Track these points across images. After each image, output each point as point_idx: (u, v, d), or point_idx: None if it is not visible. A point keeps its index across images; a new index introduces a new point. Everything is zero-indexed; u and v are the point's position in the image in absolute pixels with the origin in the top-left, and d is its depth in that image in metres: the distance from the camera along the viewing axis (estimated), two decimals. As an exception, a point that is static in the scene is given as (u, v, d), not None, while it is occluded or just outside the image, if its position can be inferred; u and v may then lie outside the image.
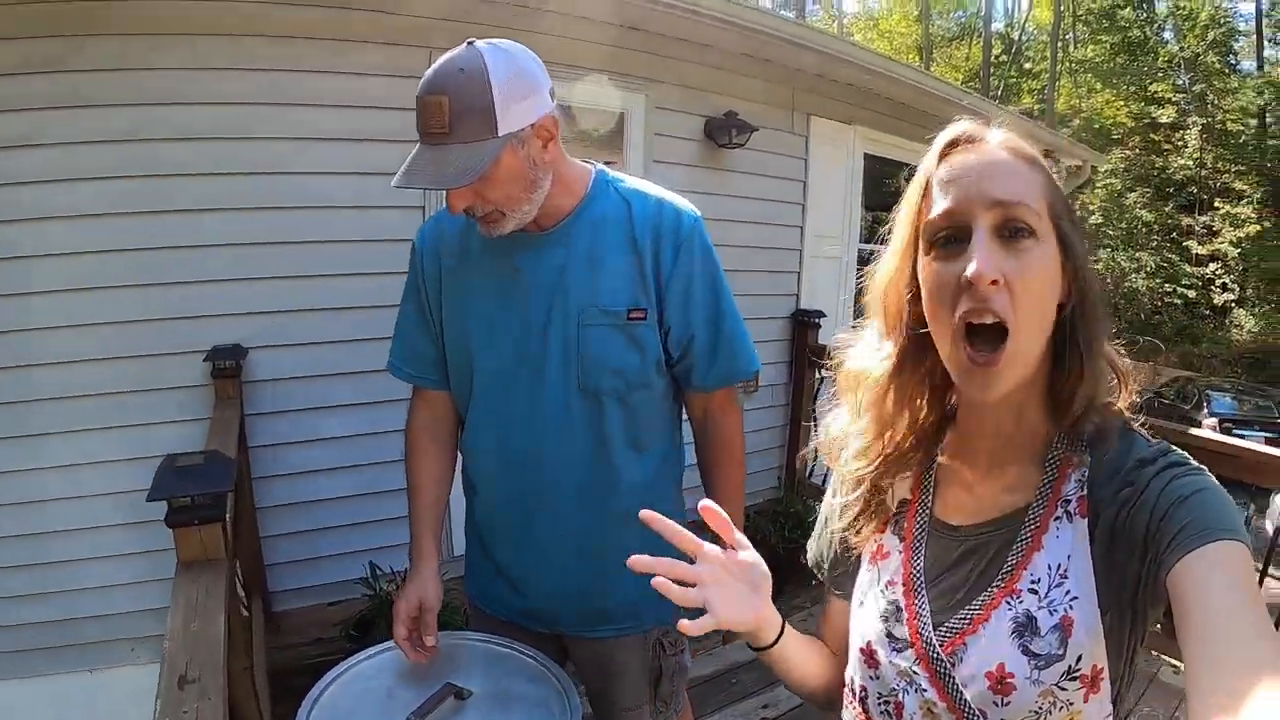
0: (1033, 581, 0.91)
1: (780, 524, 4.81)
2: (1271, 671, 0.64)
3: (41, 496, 3.25)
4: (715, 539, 1.04)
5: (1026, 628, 0.90)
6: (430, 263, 1.79)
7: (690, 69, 4.76)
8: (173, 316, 3.35)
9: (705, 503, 1.05)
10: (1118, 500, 0.88)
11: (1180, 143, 27.26)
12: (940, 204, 0.91)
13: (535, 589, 1.84)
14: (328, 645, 3.37)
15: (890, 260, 1.00)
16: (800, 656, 1.14)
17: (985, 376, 0.88)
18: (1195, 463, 0.88)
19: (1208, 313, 25.59)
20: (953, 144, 0.94)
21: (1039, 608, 0.90)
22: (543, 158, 1.58)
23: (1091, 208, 27.15)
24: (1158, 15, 30.33)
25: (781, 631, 1.08)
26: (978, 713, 0.92)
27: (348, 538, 3.79)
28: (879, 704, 1.04)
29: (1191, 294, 25.33)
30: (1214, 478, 0.86)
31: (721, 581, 1.01)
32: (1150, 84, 28.55)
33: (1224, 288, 25.36)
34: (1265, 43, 29.15)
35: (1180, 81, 28.52)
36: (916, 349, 0.99)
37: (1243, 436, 11.55)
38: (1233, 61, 29.51)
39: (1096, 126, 29.09)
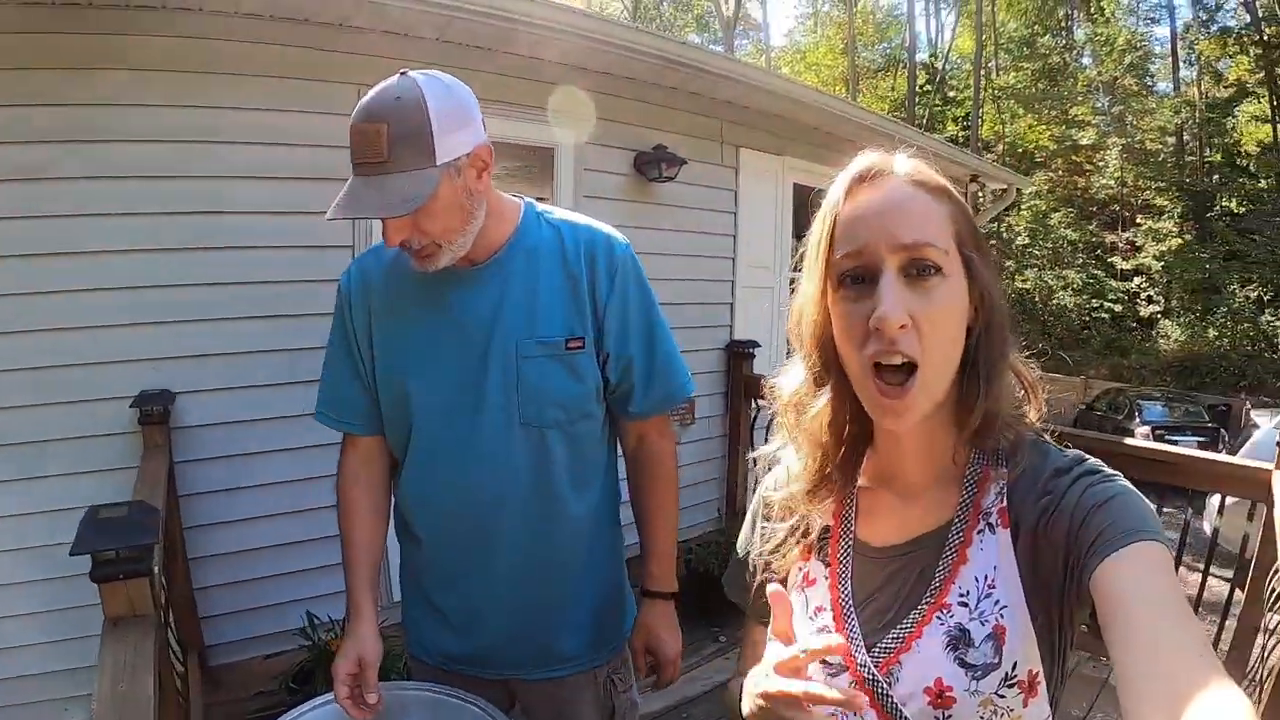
0: (961, 594, 0.92)
1: (722, 556, 4.64)
2: (1201, 668, 0.66)
3: (-42, 553, 3.12)
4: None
5: (960, 640, 0.91)
6: (358, 304, 1.73)
7: (619, 103, 4.77)
8: (97, 361, 3.24)
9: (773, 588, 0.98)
10: (1037, 509, 0.90)
11: (1101, 163, 28.14)
12: (846, 245, 0.92)
13: (482, 632, 1.79)
14: (268, 698, 3.26)
15: (803, 294, 1.01)
16: None
17: (896, 409, 0.90)
18: (1109, 469, 0.91)
19: (1135, 325, 26.26)
20: (858, 180, 0.94)
21: (970, 619, 0.91)
22: (478, 188, 1.56)
23: (1018, 229, 27.85)
24: (1076, 41, 31.43)
25: None
26: None
27: (284, 586, 3.69)
28: None
29: (1118, 308, 26.02)
30: (1129, 482, 0.88)
31: None
32: (1070, 108, 29.54)
33: (1149, 300, 26.11)
34: (1180, 64, 30.34)
35: (1100, 104, 29.54)
36: (835, 379, 0.99)
37: (1175, 442, 11.90)
38: (1149, 83, 30.77)
39: (1020, 150, 29.97)
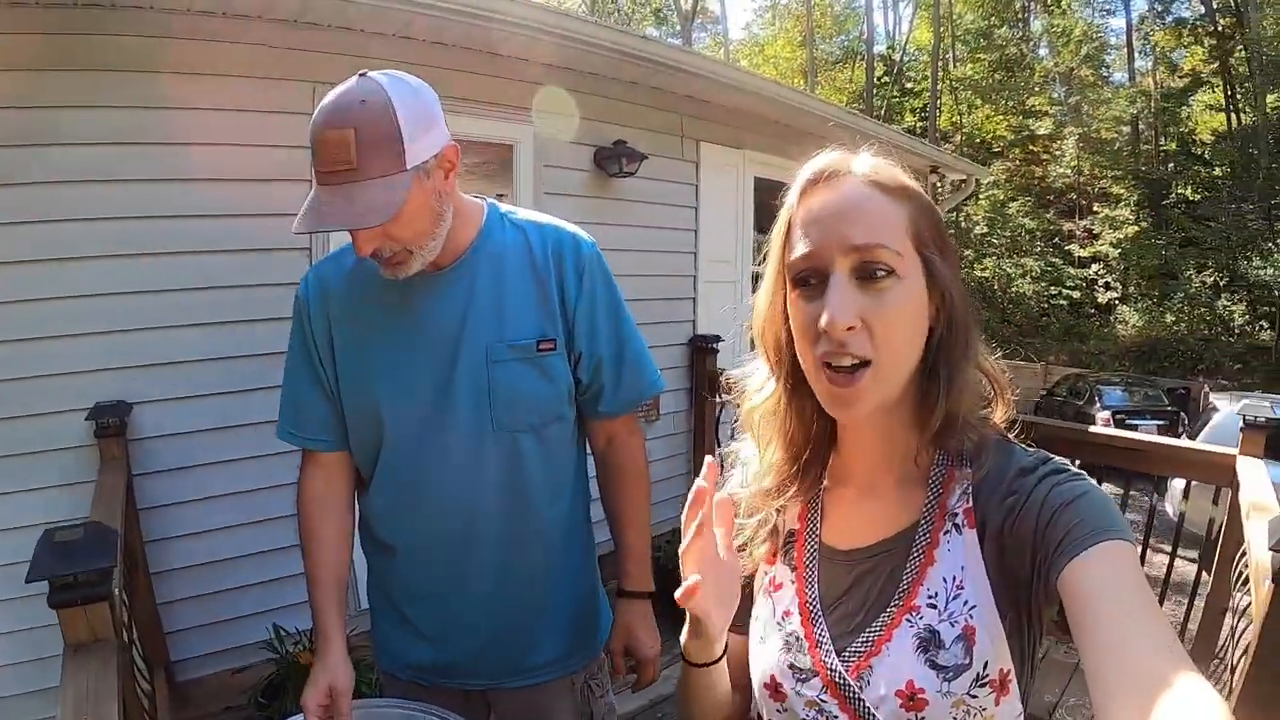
0: (930, 596, 0.92)
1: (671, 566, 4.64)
2: (1171, 664, 0.66)
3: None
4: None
5: (930, 642, 0.90)
6: (318, 314, 1.67)
7: (580, 99, 4.73)
8: (49, 373, 3.14)
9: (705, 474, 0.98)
10: (1003, 508, 0.90)
11: (1058, 152, 28.48)
12: (800, 247, 0.92)
13: (457, 642, 1.75)
14: (237, 713, 3.24)
15: (764, 293, 1.02)
16: (724, 681, 1.12)
17: (845, 397, 0.90)
18: (1074, 469, 0.91)
19: (1093, 311, 26.61)
20: (813, 181, 0.94)
21: (940, 621, 0.91)
22: (446, 190, 1.53)
23: (976, 218, 28.11)
24: (1033, 33, 31.81)
25: (725, 649, 1.08)
26: None
27: (249, 598, 3.62)
28: None
29: (1076, 294, 26.34)
30: (1093, 481, 0.89)
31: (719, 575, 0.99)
32: (1028, 98, 29.89)
33: (1107, 287, 26.46)
34: (1135, 55, 30.82)
35: (1056, 95, 29.90)
36: (795, 375, 1.00)
37: (1135, 426, 12.07)
38: (1105, 74, 31.28)
39: (977, 140, 30.26)
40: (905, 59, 36.66)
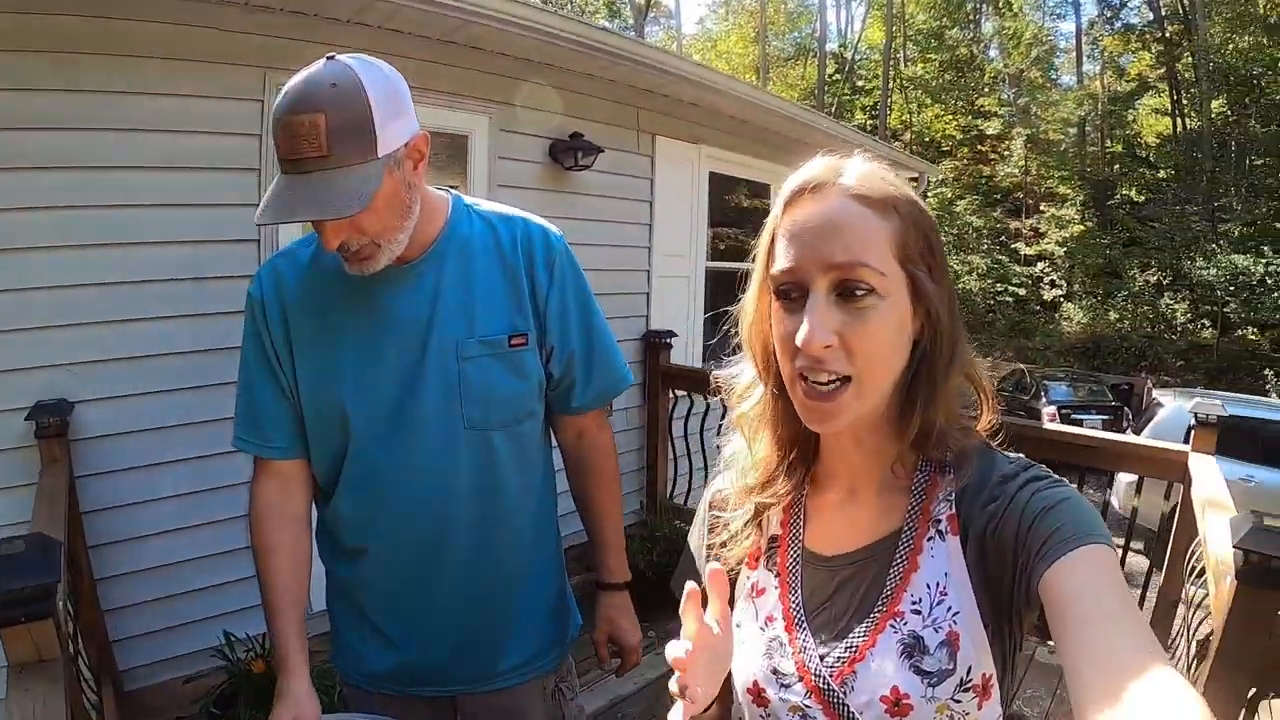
0: (914, 602, 0.93)
1: (649, 548, 4.60)
2: (1152, 663, 0.66)
3: None
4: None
5: (914, 648, 0.91)
6: (274, 312, 1.58)
7: (536, 90, 4.70)
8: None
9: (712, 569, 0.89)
10: (985, 514, 0.90)
11: (1006, 152, 28.94)
12: (781, 260, 0.91)
13: (426, 649, 1.69)
14: (191, 725, 3.14)
15: (751, 298, 1.02)
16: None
17: (822, 411, 0.90)
18: (1055, 475, 0.92)
19: (1039, 308, 27.05)
20: (799, 192, 0.93)
21: (924, 627, 0.91)
22: (415, 181, 1.48)
23: (926, 216, 28.49)
24: (984, 35, 32.24)
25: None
26: None
27: (198, 603, 3.49)
28: None
29: (1022, 292, 26.77)
30: (1074, 487, 0.89)
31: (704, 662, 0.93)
32: (977, 99, 30.34)
33: (1052, 284, 26.94)
34: (1084, 58, 31.47)
35: (1005, 96, 30.35)
36: (777, 380, 1.00)
37: (1080, 421, 12.30)
38: (1054, 76, 31.95)
39: (927, 139, 30.67)
40: (857, 57, 36.99)
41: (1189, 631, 2.42)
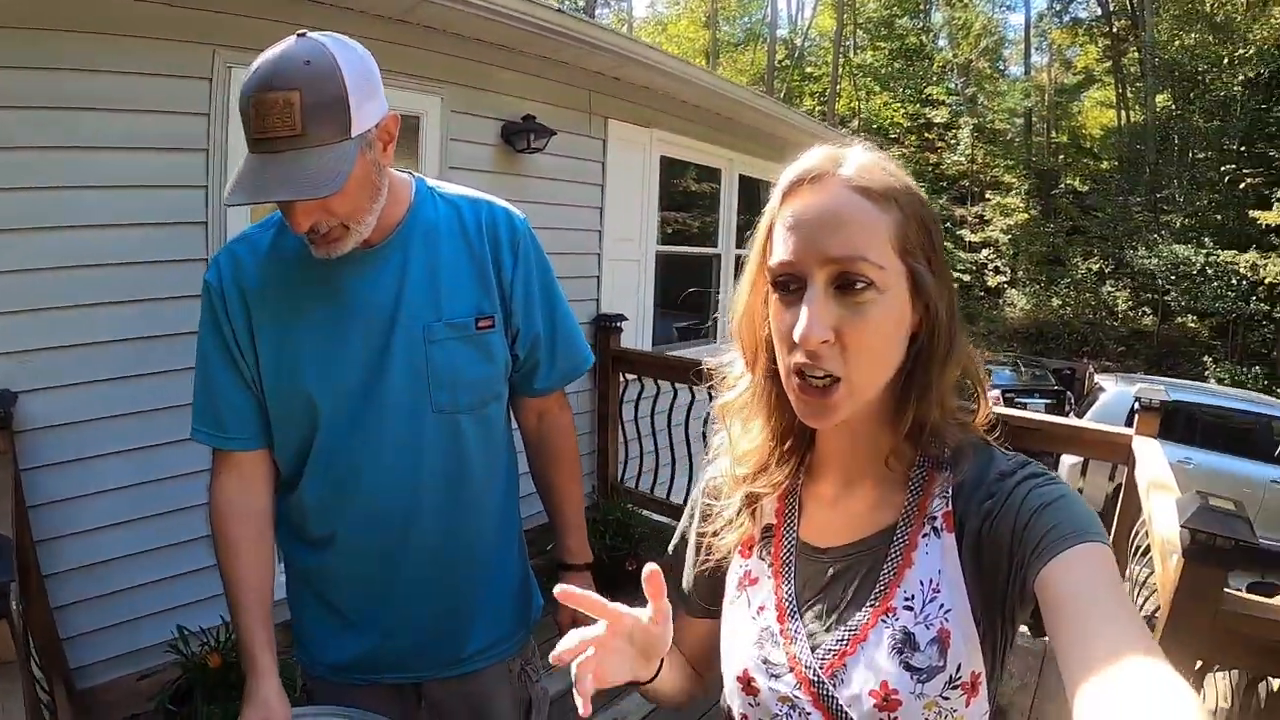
0: (907, 598, 0.92)
1: (600, 531, 4.41)
2: (1142, 657, 0.66)
3: None
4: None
5: (905, 644, 0.90)
6: (234, 300, 1.53)
7: (489, 71, 4.67)
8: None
9: (649, 570, 0.92)
10: (981, 512, 0.90)
11: (953, 141, 29.25)
12: (779, 252, 0.90)
13: (393, 635, 1.68)
14: (146, 720, 3.07)
15: (743, 289, 1.01)
16: (668, 679, 1.13)
17: (817, 409, 0.90)
18: (1052, 473, 0.91)
19: (983, 294, 27.39)
20: (797, 183, 0.91)
21: (915, 623, 0.91)
22: (385, 162, 1.46)
23: (872, 202, 28.77)
24: (934, 24, 32.47)
25: (660, 667, 1.06)
26: None
27: (150, 597, 3.40)
28: None
29: (967, 278, 27.08)
30: (1070, 486, 0.89)
31: (615, 649, 0.97)
32: (925, 87, 30.55)
33: (997, 271, 27.30)
34: (1032, 50, 31.89)
35: (953, 85, 30.61)
36: (773, 372, 0.99)
37: (1024, 405, 12.55)
38: (1002, 67, 32.35)
39: (874, 126, 30.83)
40: (807, 44, 37.05)
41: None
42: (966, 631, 0.89)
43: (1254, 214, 20.12)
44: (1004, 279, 27.16)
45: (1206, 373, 19.96)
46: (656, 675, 1.06)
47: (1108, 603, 0.73)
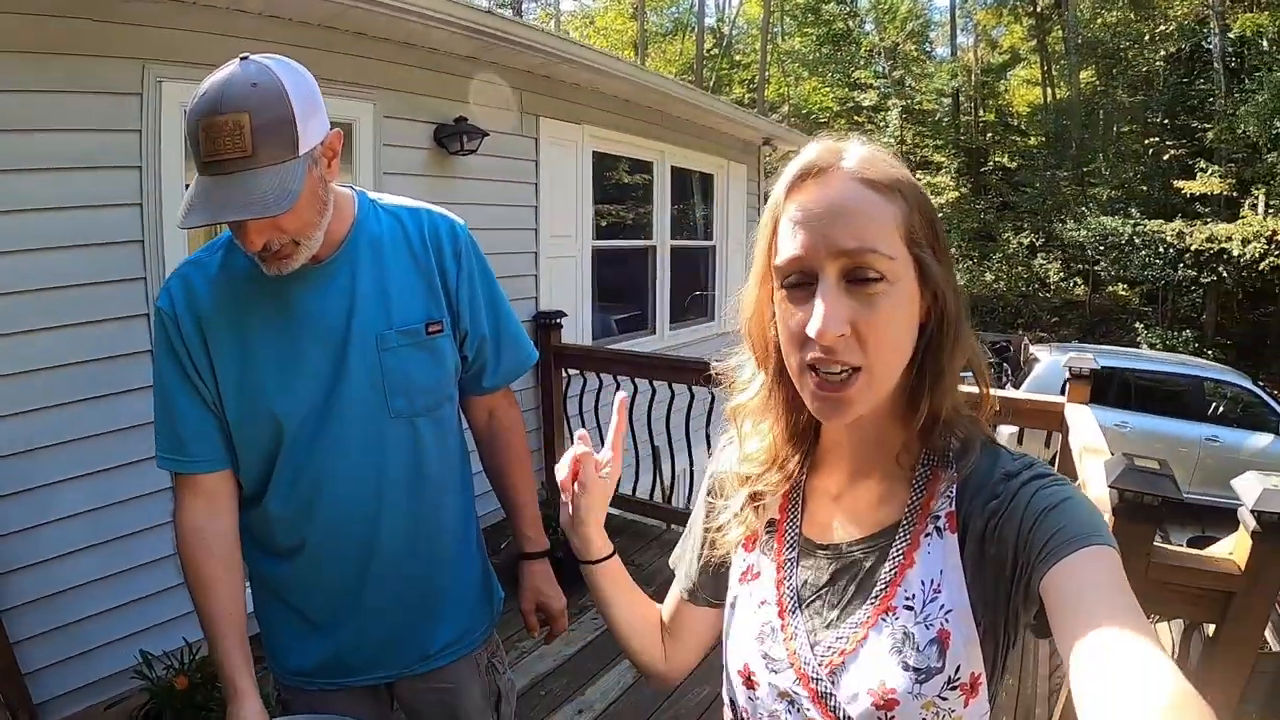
0: (908, 598, 0.92)
1: (552, 527, 4.41)
2: (1143, 653, 0.66)
3: None
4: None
5: (905, 643, 0.90)
6: (189, 324, 1.53)
7: (419, 75, 4.68)
8: None
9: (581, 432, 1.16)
10: (986, 512, 0.89)
11: (883, 123, 29.48)
12: (787, 248, 0.89)
13: (362, 638, 1.71)
14: (117, 750, 3.02)
15: (751, 289, 1.00)
16: (624, 590, 1.20)
17: (835, 404, 0.89)
18: (1058, 473, 0.91)
19: (915, 272, 27.86)
20: (801, 177, 0.91)
21: (915, 623, 0.90)
22: (330, 178, 1.49)
23: (806, 187, 28.99)
24: (860, 9, 32.70)
25: (613, 551, 1.16)
26: None
27: (111, 624, 3.36)
28: None
29: (898, 257, 27.50)
30: (1076, 486, 0.91)
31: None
32: (853, 72, 30.83)
33: (930, 248, 27.73)
34: (958, 31, 32.12)
35: (881, 69, 30.91)
36: (780, 370, 0.98)
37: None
38: (928, 49, 32.61)
39: (804, 112, 31.10)
40: (735, 32, 37.16)
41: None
42: (967, 633, 0.88)
43: (1178, 184, 20.79)
44: (938, 256, 27.57)
45: (1139, 339, 20.38)
46: (610, 557, 1.18)
47: (1114, 605, 0.73)
